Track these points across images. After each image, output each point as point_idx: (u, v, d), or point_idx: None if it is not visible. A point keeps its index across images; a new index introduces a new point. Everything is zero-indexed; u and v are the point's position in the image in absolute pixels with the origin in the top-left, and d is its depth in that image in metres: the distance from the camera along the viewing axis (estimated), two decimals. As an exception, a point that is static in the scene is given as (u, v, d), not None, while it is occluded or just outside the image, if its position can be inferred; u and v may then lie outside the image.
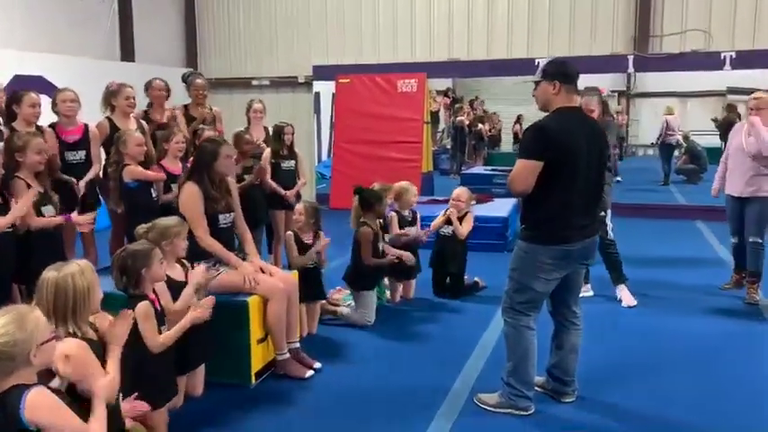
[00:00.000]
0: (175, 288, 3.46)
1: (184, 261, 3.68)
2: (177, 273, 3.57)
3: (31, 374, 2.06)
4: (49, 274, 2.41)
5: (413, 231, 5.57)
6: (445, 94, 13.92)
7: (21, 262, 3.94)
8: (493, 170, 10.97)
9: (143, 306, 3.09)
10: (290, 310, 4.08)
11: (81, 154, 4.95)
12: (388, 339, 4.75)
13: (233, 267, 4.00)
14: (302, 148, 8.01)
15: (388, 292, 5.58)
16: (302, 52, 11.13)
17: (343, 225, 5.37)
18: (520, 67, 9.25)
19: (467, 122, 13.28)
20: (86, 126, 5.04)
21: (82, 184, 4.92)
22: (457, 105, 13.65)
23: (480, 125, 13.90)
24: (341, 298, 5.27)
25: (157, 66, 9.49)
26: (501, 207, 7.73)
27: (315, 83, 11.17)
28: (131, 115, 5.33)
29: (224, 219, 4.12)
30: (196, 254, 3.86)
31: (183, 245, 3.60)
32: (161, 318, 3.22)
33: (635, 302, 5.38)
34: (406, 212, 5.69)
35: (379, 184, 5.46)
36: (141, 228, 3.57)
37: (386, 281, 5.53)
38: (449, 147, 13.76)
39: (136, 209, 4.62)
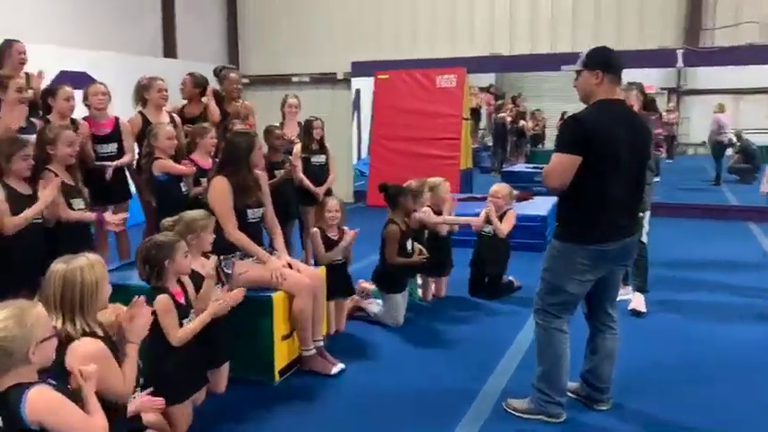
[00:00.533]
0: (200, 282, 3.41)
1: (210, 255, 3.63)
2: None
3: (30, 373, 2.01)
4: (58, 266, 2.36)
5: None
6: (488, 90, 13.70)
7: (49, 253, 3.94)
8: (534, 167, 10.71)
9: (163, 299, 3.05)
10: (316, 307, 4.01)
11: (112, 146, 4.97)
12: (418, 338, 4.63)
13: (260, 262, 3.94)
14: (341, 144, 7.94)
15: (420, 290, 5.45)
16: (341, 48, 11.06)
17: (378, 222, 5.26)
18: (563, 61, 8.92)
19: (509, 119, 13.04)
20: (117, 119, 5.07)
21: (114, 164, 4.91)
22: (499, 102, 13.42)
23: (522, 122, 13.64)
24: (371, 289, 5.17)
25: (199, 62, 9.54)
26: (540, 205, 7.51)
27: (355, 80, 11.10)
28: (164, 109, 5.33)
29: (253, 213, 4.07)
30: (223, 248, 3.81)
31: (209, 239, 3.56)
32: (186, 312, 3.17)
33: (644, 310, 5.01)
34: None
35: (415, 181, 5.32)
36: (167, 221, 3.55)
37: (418, 279, 5.40)
38: (489, 144, 13.53)
39: (165, 202, 4.61)
